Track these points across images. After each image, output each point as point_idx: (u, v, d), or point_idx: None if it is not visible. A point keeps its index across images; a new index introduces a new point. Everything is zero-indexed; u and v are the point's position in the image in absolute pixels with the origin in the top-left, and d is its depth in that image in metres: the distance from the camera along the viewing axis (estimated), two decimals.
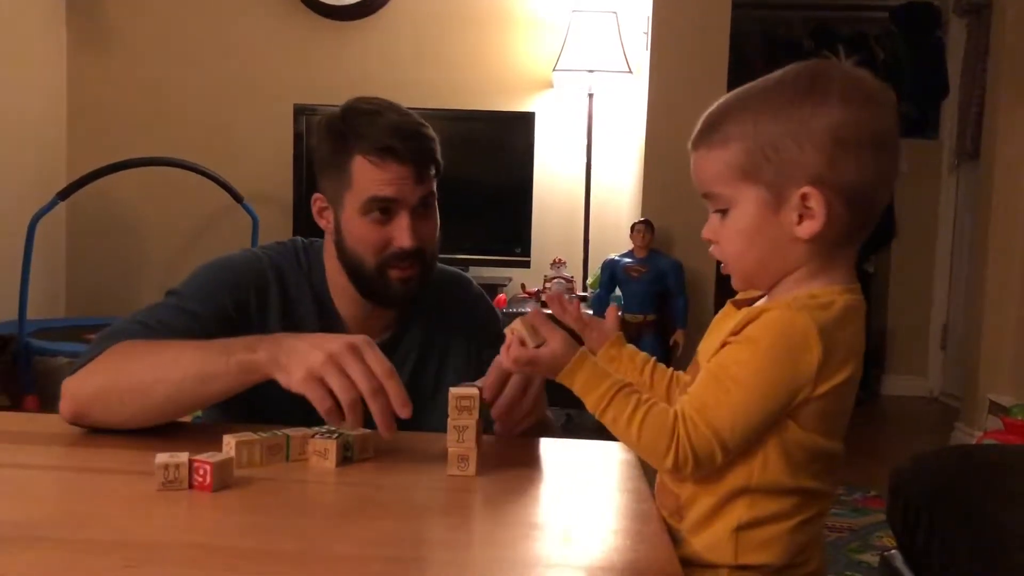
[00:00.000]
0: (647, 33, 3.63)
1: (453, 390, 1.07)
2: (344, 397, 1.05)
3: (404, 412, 1.06)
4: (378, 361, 1.07)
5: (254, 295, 1.35)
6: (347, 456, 1.10)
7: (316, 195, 1.40)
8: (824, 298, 0.89)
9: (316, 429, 1.12)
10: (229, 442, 1.06)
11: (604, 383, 0.93)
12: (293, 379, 1.08)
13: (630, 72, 3.72)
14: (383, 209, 1.31)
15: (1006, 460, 1.33)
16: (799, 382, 0.87)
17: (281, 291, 1.37)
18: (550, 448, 1.27)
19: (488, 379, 1.16)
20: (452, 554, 0.89)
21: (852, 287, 0.92)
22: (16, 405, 3.31)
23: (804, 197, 0.87)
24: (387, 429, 1.07)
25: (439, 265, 1.48)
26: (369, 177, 1.30)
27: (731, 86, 0.96)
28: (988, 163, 3.63)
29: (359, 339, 1.09)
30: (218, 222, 3.96)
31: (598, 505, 1.05)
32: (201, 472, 1.00)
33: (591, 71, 3.70)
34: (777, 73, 0.92)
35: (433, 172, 1.35)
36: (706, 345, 0.97)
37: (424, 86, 3.86)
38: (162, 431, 1.20)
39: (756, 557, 0.91)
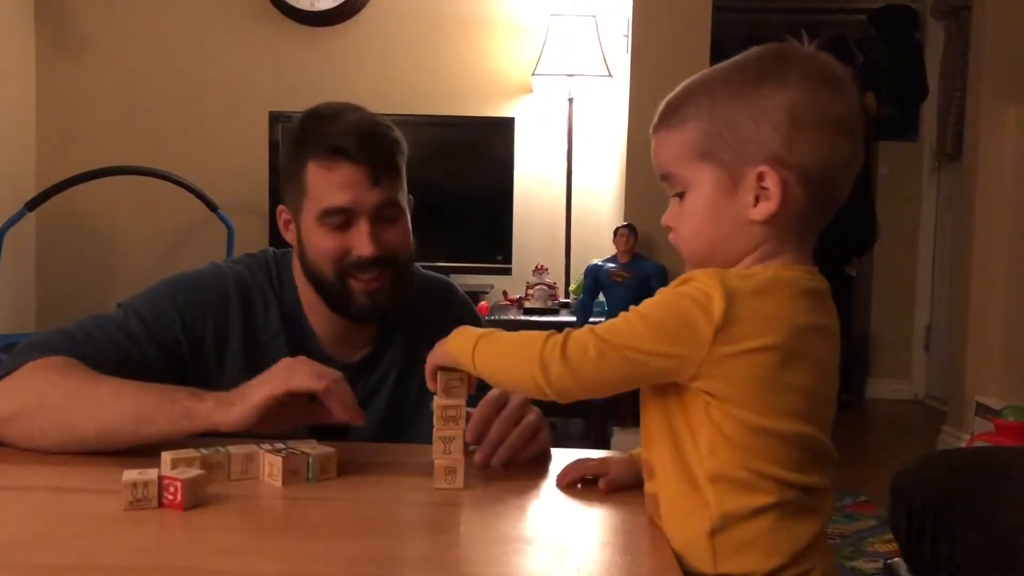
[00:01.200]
0: (627, 36, 3.60)
1: (438, 400, 1.02)
2: (316, 383, 1.07)
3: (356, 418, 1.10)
4: (323, 367, 1.10)
5: (211, 316, 1.27)
6: (307, 477, 1.04)
7: (280, 206, 1.33)
8: (749, 272, 0.88)
9: (265, 445, 1.06)
10: (166, 459, 1.00)
11: (479, 330, 0.95)
12: (248, 400, 1.06)
13: (610, 76, 3.69)
14: (340, 223, 1.23)
15: (1014, 463, 1.29)
16: (693, 334, 0.83)
17: (245, 311, 1.29)
18: (537, 458, 1.22)
19: (472, 419, 1.11)
20: (442, 573, 0.84)
21: (791, 267, 0.88)
22: None
23: (760, 177, 0.86)
24: (355, 416, 1.09)
25: (424, 272, 1.42)
26: (321, 183, 1.23)
27: None
28: (971, 164, 3.63)
29: (298, 357, 1.12)
30: (193, 232, 3.89)
31: (591, 517, 1.00)
32: (172, 489, 0.94)
33: (571, 75, 3.67)
34: (736, 57, 0.91)
35: (394, 174, 1.26)
36: None
37: (402, 92, 3.81)
38: (133, 447, 1.13)
39: (737, 563, 0.85)
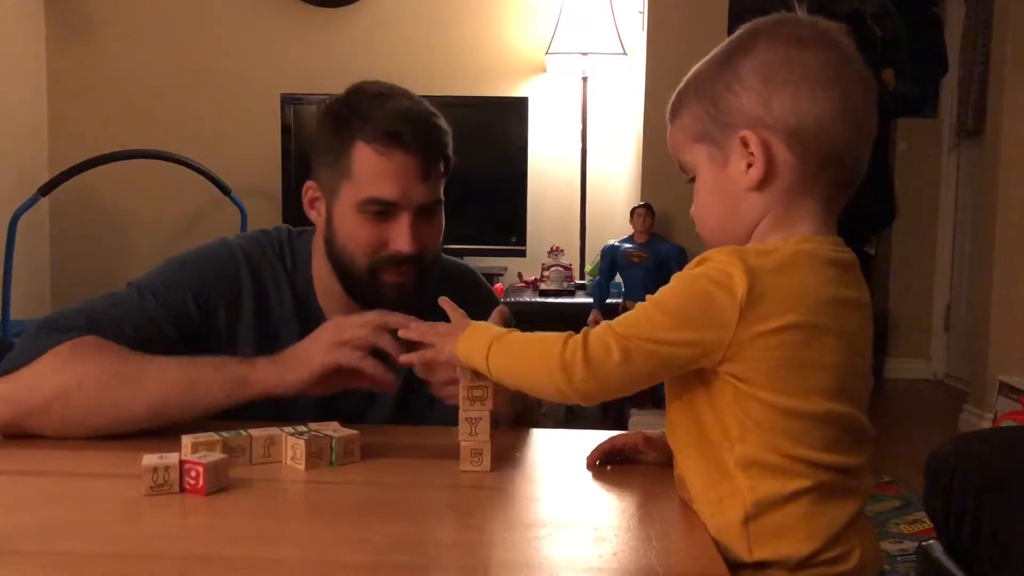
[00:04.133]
0: (642, 13, 3.55)
1: (464, 380, 0.99)
2: (368, 331, 1.07)
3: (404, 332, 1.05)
4: (365, 313, 1.11)
5: (223, 292, 1.23)
6: (331, 460, 1.02)
7: (308, 183, 1.25)
8: (766, 247, 0.85)
9: (288, 429, 1.04)
10: (187, 443, 0.98)
11: (492, 331, 0.93)
12: (315, 362, 1.07)
13: (624, 54, 3.64)
14: (382, 213, 1.18)
15: None
16: (718, 317, 0.81)
17: (257, 288, 1.25)
18: (563, 440, 1.20)
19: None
20: (472, 559, 0.81)
21: (811, 238, 0.86)
22: None
23: (744, 142, 0.86)
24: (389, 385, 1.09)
25: (445, 257, 1.37)
26: (371, 168, 1.17)
27: None
28: (994, 139, 3.57)
29: (337, 317, 1.12)
30: (206, 215, 3.87)
31: (623, 500, 0.97)
32: (193, 474, 0.91)
33: (585, 54, 3.62)
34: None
35: (442, 170, 1.21)
36: None
37: (414, 72, 3.77)
38: (152, 429, 1.11)
39: (773, 549, 0.82)
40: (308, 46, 3.89)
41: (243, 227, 3.60)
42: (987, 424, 3.37)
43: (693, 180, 0.92)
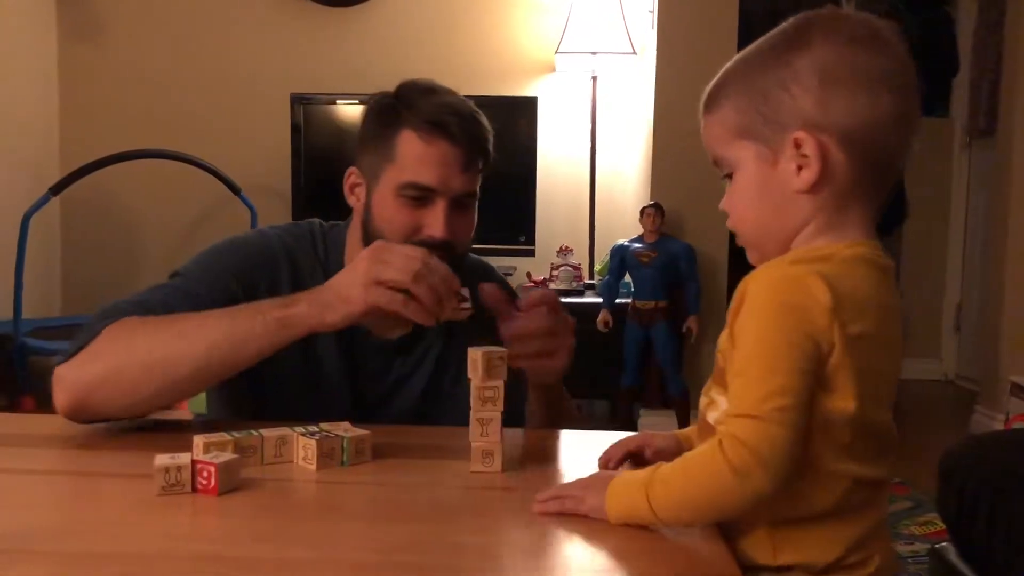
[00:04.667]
0: (652, 12, 3.54)
1: (476, 381, 0.99)
2: (407, 277, 1.04)
3: (454, 284, 1.06)
4: (410, 248, 1.08)
5: (264, 277, 1.25)
6: (342, 460, 1.02)
7: (351, 169, 1.30)
8: (822, 251, 0.83)
9: (299, 429, 1.04)
10: (198, 443, 0.98)
11: (638, 479, 0.84)
12: (354, 300, 1.05)
13: (634, 53, 3.64)
14: (419, 198, 1.21)
15: None
16: (816, 327, 0.78)
17: (293, 276, 1.28)
18: (573, 440, 1.20)
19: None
20: (483, 560, 0.81)
21: (862, 241, 0.84)
22: (13, 406, 3.23)
23: (797, 143, 0.83)
24: (450, 298, 1.06)
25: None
26: (415, 153, 1.21)
27: None
28: (1006, 138, 3.55)
29: (379, 242, 1.10)
30: (216, 214, 3.88)
31: None
32: (205, 474, 0.91)
33: (594, 53, 3.62)
34: (771, 31, 0.89)
35: (481, 165, 1.25)
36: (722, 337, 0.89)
37: (423, 72, 3.72)
38: (164, 430, 1.11)
39: (798, 555, 0.82)
40: (318, 46, 3.90)
41: (253, 226, 3.61)
42: (999, 425, 3.35)
43: (728, 176, 0.89)
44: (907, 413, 4.35)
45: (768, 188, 0.85)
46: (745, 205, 0.88)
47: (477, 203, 1.27)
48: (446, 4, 3.91)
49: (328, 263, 1.30)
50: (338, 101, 3.60)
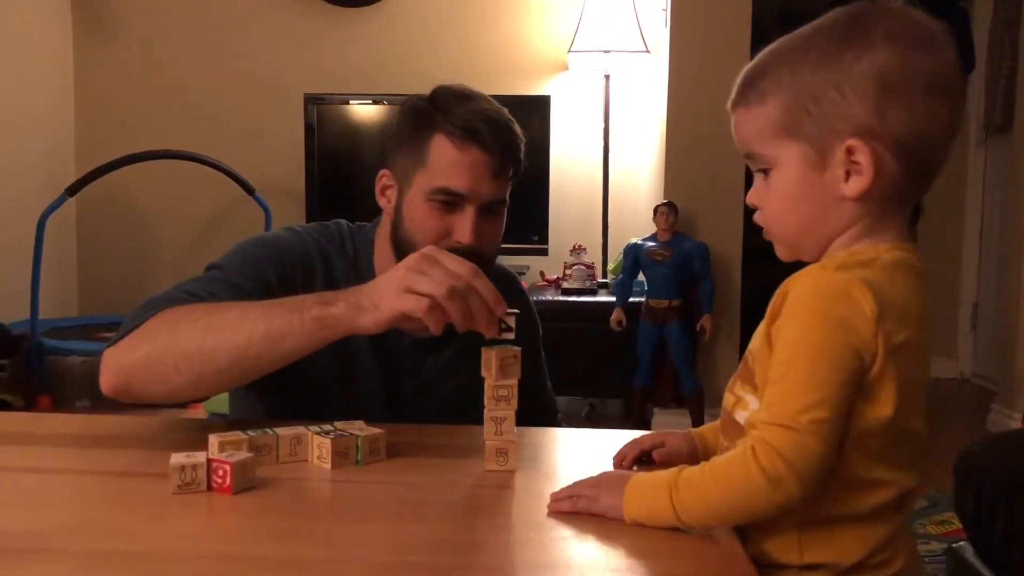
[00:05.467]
0: (666, 10, 3.53)
1: (489, 380, 0.99)
2: (439, 291, 0.99)
3: (499, 309, 1.00)
4: (458, 262, 1.02)
5: (300, 274, 1.26)
6: (357, 459, 1.02)
7: (383, 171, 1.30)
8: (864, 255, 0.82)
9: (314, 427, 1.04)
10: (214, 442, 0.98)
11: (661, 480, 0.83)
12: (382, 308, 1.02)
13: (647, 51, 3.63)
14: (449, 203, 1.22)
15: None
16: (860, 338, 0.77)
17: (327, 273, 1.28)
18: (587, 439, 1.20)
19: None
20: (498, 559, 0.81)
21: (900, 245, 0.83)
22: (30, 405, 3.26)
23: (850, 151, 0.80)
24: (490, 326, 1.00)
25: None
26: (447, 159, 1.21)
27: None
28: (1022, 135, 3.52)
29: (429, 248, 1.04)
30: (230, 214, 3.90)
31: None
32: (220, 473, 0.92)
33: (607, 51, 3.61)
34: (817, 20, 0.84)
35: (512, 173, 1.25)
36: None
37: (435, 71, 3.78)
38: (180, 428, 1.12)
39: (824, 555, 0.82)
40: (331, 46, 3.91)
41: (267, 226, 3.62)
42: (1016, 423, 3.33)
43: (764, 172, 0.86)
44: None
45: (811, 191, 0.83)
46: (783, 205, 0.85)
47: (506, 210, 1.28)
48: (459, 3, 3.91)
49: (358, 263, 1.30)
50: (351, 101, 3.61)
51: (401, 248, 1.25)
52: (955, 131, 0.83)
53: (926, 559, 2.21)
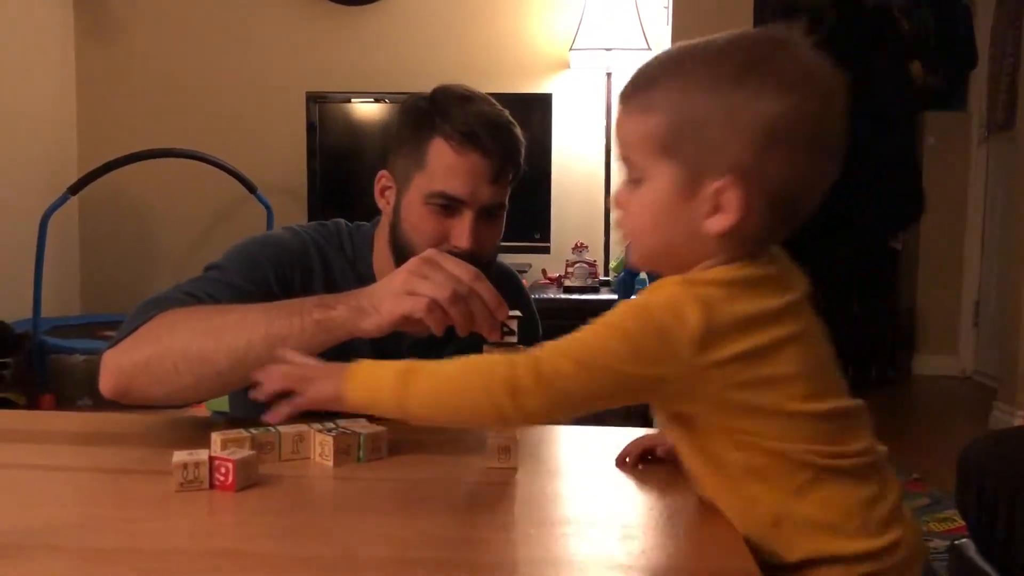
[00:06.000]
0: (667, 8, 3.53)
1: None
2: (441, 295, 1.00)
3: (500, 312, 1.01)
4: (460, 266, 1.02)
5: (299, 273, 1.26)
6: (358, 457, 1.02)
7: (382, 172, 1.30)
8: (713, 275, 0.81)
9: (316, 425, 1.04)
10: (216, 440, 0.98)
11: (389, 364, 0.86)
12: (383, 311, 1.03)
13: (649, 49, 3.62)
14: (447, 207, 1.21)
15: None
16: (671, 348, 0.78)
17: (325, 273, 1.28)
18: (589, 437, 1.19)
19: None
20: (500, 556, 0.81)
21: (752, 262, 0.82)
22: (32, 404, 3.26)
23: (719, 190, 0.79)
24: (492, 330, 1.01)
25: None
26: (445, 163, 1.20)
27: None
28: None
29: (430, 252, 1.05)
30: (232, 213, 3.90)
31: (651, 498, 0.96)
32: (223, 470, 0.92)
33: (609, 49, 3.60)
34: (721, 39, 0.82)
35: (511, 176, 1.25)
36: None
37: (437, 70, 3.77)
38: (181, 426, 1.12)
39: (812, 546, 0.81)
40: (333, 44, 3.90)
41: (269, 225, 3.62)
42: (1018, 421, 3.32)
43: (634, 181, 0.84)
44: (925, 409, 4.32)
45: (676, 217, 0.82)
46: (645, 221, 0.84)
47: (505, 213, 1.27)
48: (460, 1, 3.90)
49: (356, 263, 1.30)
50: (353, 99, 3.61)
51: (399, 249, 1.25)
52: (828, 182, 0.82)
53: (928, 556, 2.22)
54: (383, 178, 1.30)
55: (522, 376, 0.80)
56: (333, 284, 1.26)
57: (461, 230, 1.21)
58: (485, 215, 1.23)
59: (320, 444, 1.02)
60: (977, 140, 4.68)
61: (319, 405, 0.89)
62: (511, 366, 0.81)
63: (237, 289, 1.19)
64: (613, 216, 0.89)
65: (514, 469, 1.00)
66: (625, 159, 0.86)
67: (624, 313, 0.81)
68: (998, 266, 4.24)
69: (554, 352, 0.81)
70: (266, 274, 1.23)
